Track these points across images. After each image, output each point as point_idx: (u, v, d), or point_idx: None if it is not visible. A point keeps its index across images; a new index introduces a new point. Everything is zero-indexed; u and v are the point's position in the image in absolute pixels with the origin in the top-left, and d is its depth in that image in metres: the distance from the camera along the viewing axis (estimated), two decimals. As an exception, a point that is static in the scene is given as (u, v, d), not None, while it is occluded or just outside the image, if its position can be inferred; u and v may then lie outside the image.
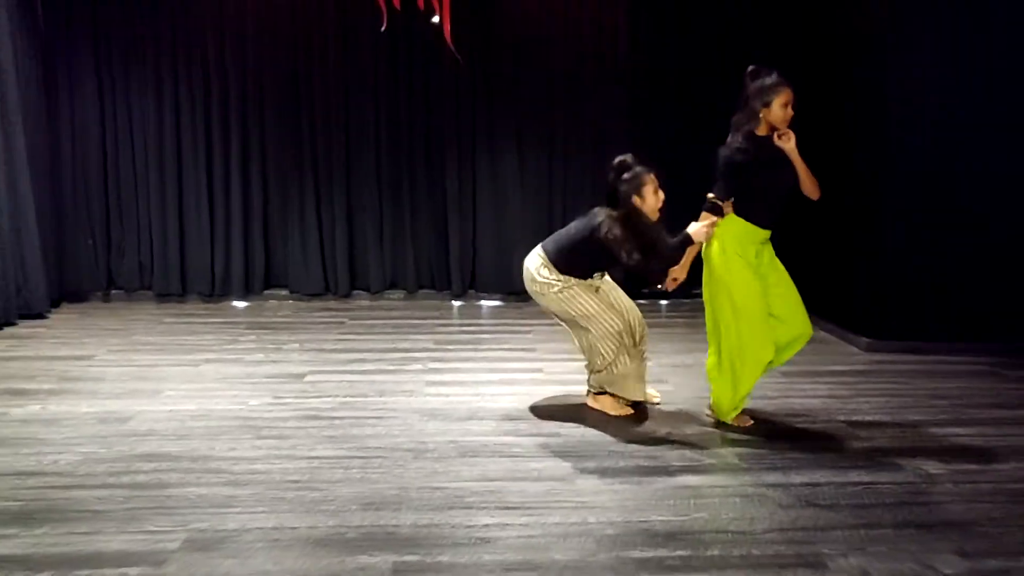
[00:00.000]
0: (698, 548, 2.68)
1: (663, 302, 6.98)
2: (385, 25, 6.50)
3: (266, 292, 7.00)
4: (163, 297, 6.85)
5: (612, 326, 3.88)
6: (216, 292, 6.88)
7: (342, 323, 6.12)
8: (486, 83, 6.69)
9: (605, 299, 3.95)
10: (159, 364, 4.92)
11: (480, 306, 6.88)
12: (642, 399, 4.04)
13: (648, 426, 3.85)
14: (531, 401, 4.22)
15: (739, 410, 3.85)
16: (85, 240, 6.77)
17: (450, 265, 6.95)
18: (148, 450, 3.52)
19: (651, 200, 3.78)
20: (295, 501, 3.03)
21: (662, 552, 2.65)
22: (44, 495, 3.07)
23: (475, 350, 5.27)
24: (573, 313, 3.91)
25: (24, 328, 5.82)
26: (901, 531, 2.81)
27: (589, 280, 3.95)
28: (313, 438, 3.68)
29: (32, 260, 6.05)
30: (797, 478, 3.25)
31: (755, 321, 3.65)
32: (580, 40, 6.73)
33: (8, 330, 5.73)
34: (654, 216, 3.81)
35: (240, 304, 6.82)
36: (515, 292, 6.94)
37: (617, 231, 3.72)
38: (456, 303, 6.89)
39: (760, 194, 3.66)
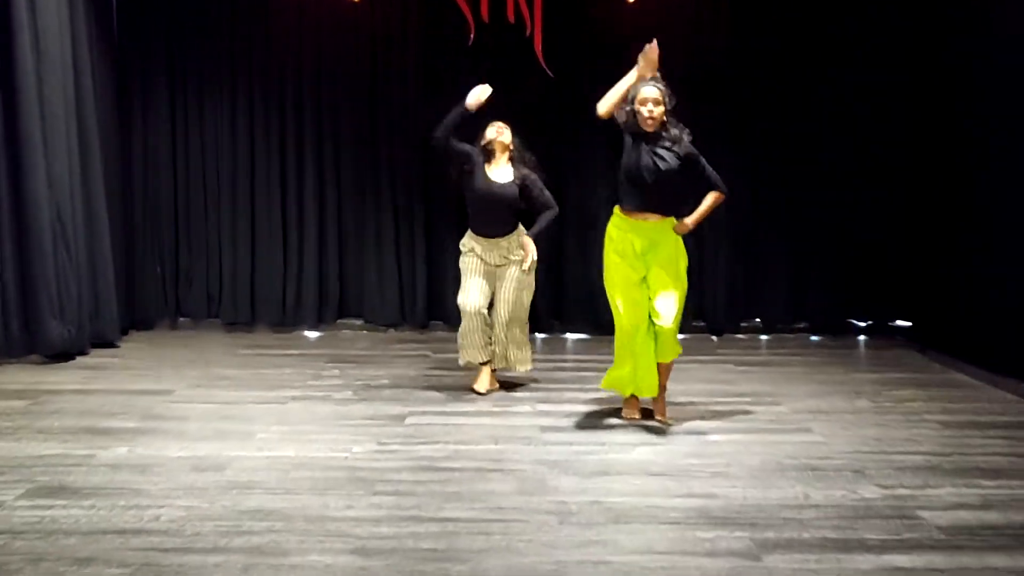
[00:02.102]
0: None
1: (763, 337, 6.51)
2: (472, 39, 6.19)
3: (339, 321, 6.63)
4: (231, 326, 6.51)
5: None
6: (287, 322, 6.53)
7: (426, 356, 5.72)
8: (577, 101, 6.25)
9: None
10: (243, 401, 4.55)
11: (566, 339, 6.46)
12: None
13: (813, 489, 3.37)
14: (666, 452, 3.77)
15: (625, 394, 4.23)
16: (154, 267, 6.46)
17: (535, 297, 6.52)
18: (255, 505, 3.12)
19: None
20: (441, 575, 2.60)
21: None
22: (153, 559, 2.67)
23: (581, 390, 4.83)
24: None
25: (97, 358, 5.50)
26: None
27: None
28: (436, 495, 3.25)
29: (106, 288, 5.74)
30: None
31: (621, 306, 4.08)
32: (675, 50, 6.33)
33: (81, 359, 5.41)
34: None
35: (312, 334, 6.46)
36: (602, 326, 6.52)
37: None
38: (540, 335, 6.46)
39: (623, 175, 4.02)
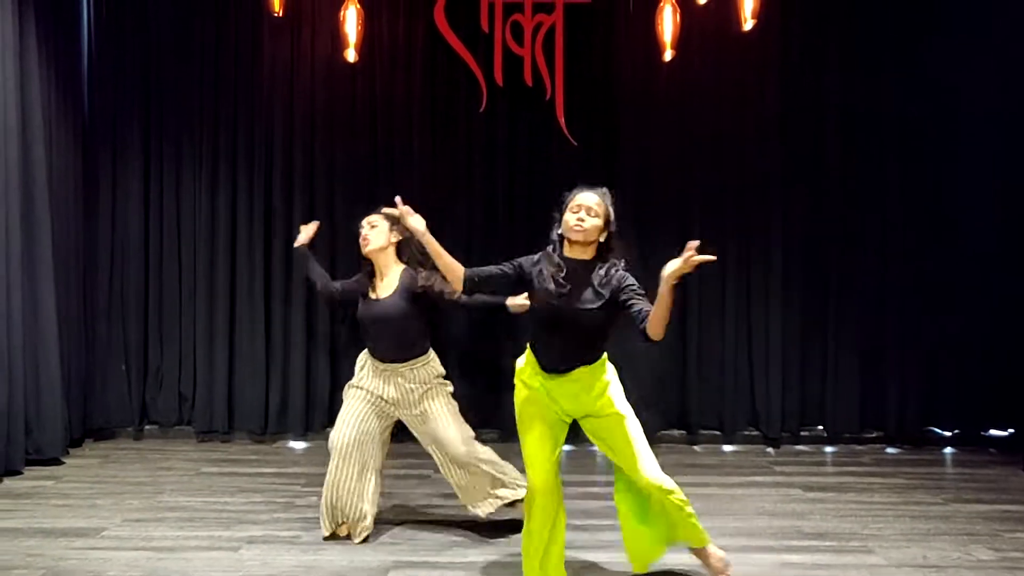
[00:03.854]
0: None
1: (827, 449, 5.48)
2: (484, 104, 5.45)
3: (328, 430, 5.67)
4: (205, 435, 5.59)
5: None
6: (269, 430, 5.60)
7: (427, 477, 4.75)
8: (605, 169, 5.42)
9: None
10: (185, 547, 3.60)
11: (594, 452, 5.47)
12: None
13: None
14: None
15: None
16: (119, 365, 5.59)
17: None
18: None
19: None
20: None
21: None
22: None
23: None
24: None
25: (28, 480, 4.59)
26: None
27: None
28: None
29: (49, 392, 4.89)
30: None
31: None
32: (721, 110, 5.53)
33: (8, 483, 4.50)
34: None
35: (298, 444, 5.53)
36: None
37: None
38: (566, 447, 5.45)
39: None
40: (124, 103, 5.56)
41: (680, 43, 5.01)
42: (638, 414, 3.16)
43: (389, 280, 3.73)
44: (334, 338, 5.68)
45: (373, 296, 3.75)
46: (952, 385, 5.48)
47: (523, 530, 3.14)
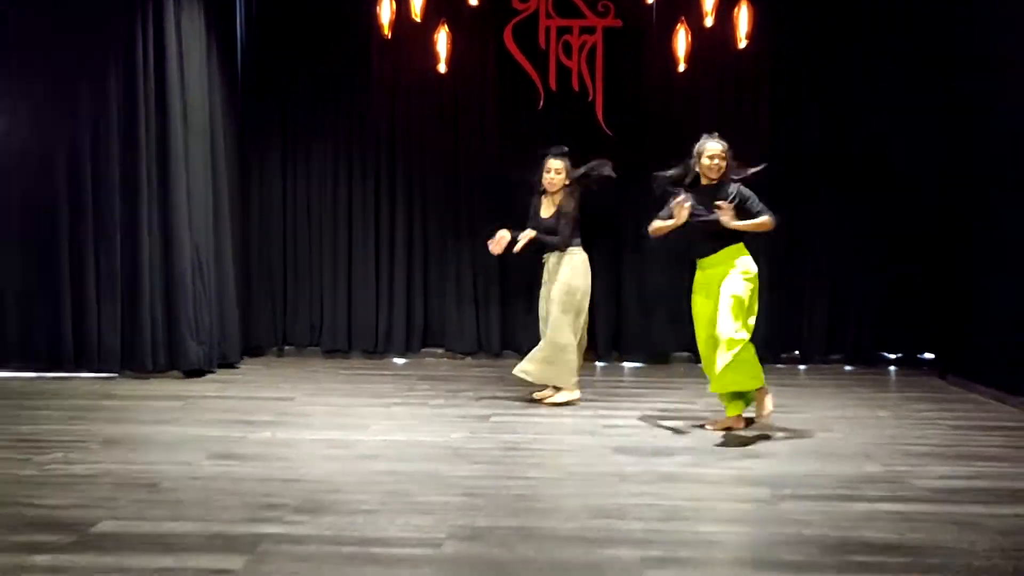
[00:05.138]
0: (917, 556, 2.94)
1: (801, 367, 7.22)
2: (542, 104, 7.21)
3: (423, 350, 7.56)
4: (330, 353, 7.49)
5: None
6: (379, 349, 7.48)
7: (502, 378, 6.57)
8: (634, 154, 7.16)
9: None
10: (354, 405, 5.47)
11: (623, 367, 7.25)
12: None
13: (828, 465, 4.11)
14: (710, 439, 4.55)
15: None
16: (266, 301, 7.50)
17: (595, 328, 7.36)
18: (382, 468, 3.99)
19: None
20: (530, 510, 3.43)
21: (883, 558, 2.92)
22: (313, 497, 3.55)
23: (639, 400, 5.63)
24: None
25: (223, 375, 6.51)
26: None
27: None
28: (521, 464, 4.09)
29: (230, 316, 6.79)
30: (1006, 510, 3.45)
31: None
32: (723, 110, 7.22)
33: (211, 376, 6.41)
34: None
35: (400, 360, 7.39)
36: (656, 355, 7.34)
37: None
38: (599, 364, 7.28)
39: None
40: (269, 103, 7.42)
41: (691, 57, 6.72)
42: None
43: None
44: (427, 282, 7.53)
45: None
46: (897, 319, 7.18)
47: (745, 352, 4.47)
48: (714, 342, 4.52)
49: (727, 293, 4.55)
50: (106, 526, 3.19)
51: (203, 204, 6.49)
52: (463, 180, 7.50)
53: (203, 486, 3.68)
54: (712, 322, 4.56)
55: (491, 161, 7.38)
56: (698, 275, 4.81)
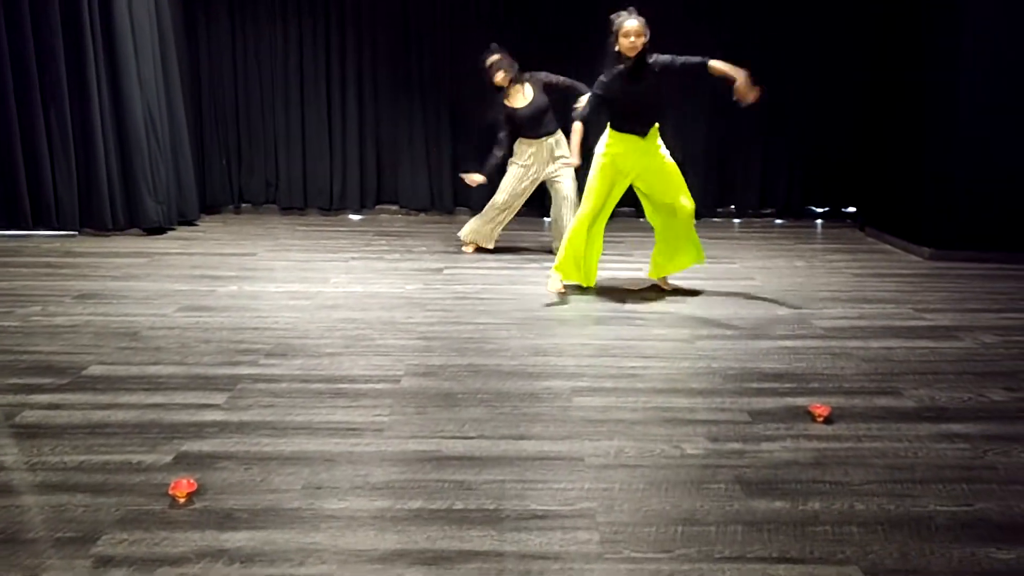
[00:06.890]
0: (800, 383, 3.48)
1: (735, 220, 7.70)
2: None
3: (378, 206, 7.85)
4: (286, 210, 7.73)
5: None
6: (334, 206, 7.74)
7: (454, 233, 6.93)
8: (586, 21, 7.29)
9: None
10: (313, 260, 5.80)
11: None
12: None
13: (743, 309, 4.62)
14: (641, 285, 5.02)
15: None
16: (220, 160, 7.63)
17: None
18: (344, 316, 4.39)
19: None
20: (478, 350, 3.88)
21: (774, 385, 3.46)
22: (283, 342, 3.95)
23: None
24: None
25: (184, 232, 6.75)
26: (960, 376, 3.58)
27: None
28: (471, 311, 4.53)
29: (186, 173, 6.95)
30: (875, 344, 4.01)
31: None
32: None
33: (172, 233, 6.66)
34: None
35: (356, 217, 7.68)
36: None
37: None
38: (547, 219, 7.65)
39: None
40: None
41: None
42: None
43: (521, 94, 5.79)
44: (379, 138, 7.71)
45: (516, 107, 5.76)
46: (824, 175, 7.63)
47: (566, 239, 4.82)
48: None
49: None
50: (96, 370, 3.56)
51: (150, 59, 6.49)
52: (414, 39, 7.54)
53: (180, 335, 4.05)
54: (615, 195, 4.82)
55: (442, 19, 7.41)
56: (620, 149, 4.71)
